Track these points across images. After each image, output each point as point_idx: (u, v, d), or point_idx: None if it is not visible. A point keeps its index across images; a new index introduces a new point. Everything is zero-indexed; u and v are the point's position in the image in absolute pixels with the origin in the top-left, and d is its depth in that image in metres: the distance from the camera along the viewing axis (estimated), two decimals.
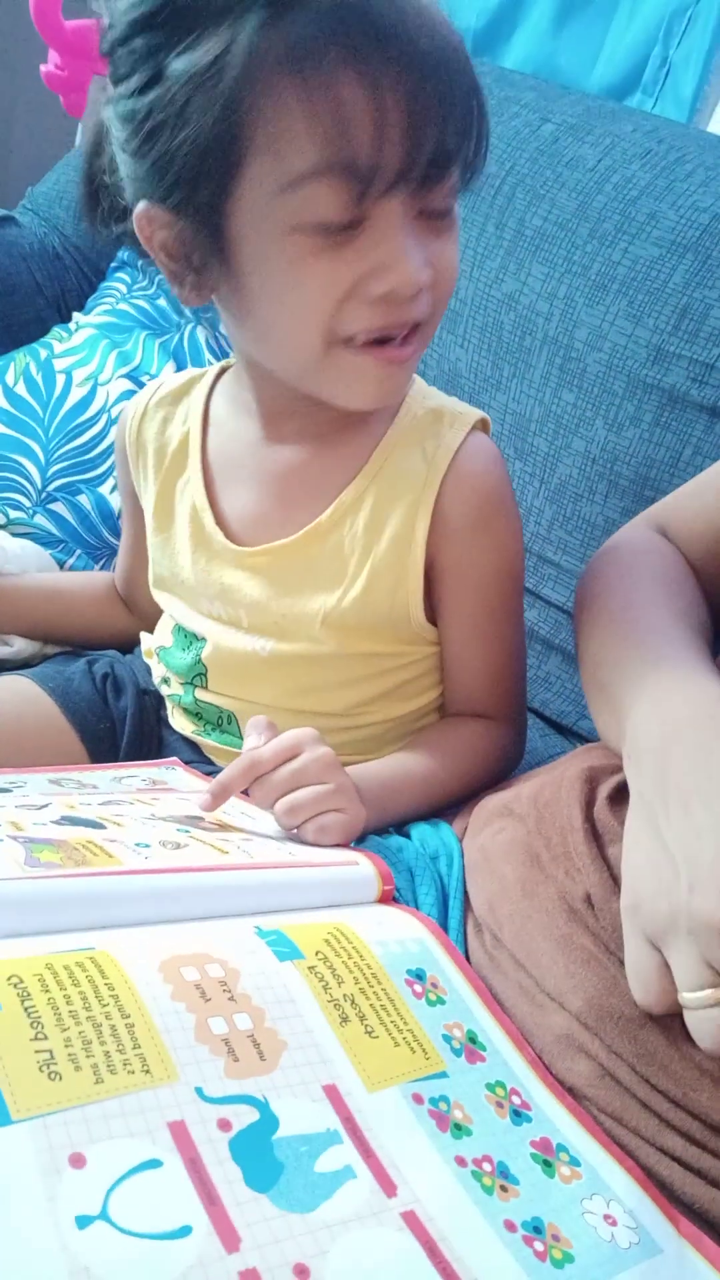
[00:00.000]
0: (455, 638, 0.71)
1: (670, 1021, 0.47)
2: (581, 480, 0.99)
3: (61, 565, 1.01)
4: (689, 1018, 0.44)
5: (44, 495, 1.07)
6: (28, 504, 1.06)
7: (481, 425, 0.70)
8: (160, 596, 0.79)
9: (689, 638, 0.59)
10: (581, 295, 0.98)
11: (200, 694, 0.76)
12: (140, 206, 0.57)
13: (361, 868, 0.55)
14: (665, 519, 0.74)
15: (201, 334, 1.21)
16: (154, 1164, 0.35)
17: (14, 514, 1.04)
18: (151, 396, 0.78)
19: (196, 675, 0.76)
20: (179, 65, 0.51)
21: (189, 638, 0.76)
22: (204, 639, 0.74)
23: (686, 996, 0.44)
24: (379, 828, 0.65)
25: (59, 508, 1.07)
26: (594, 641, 0.65)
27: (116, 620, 0.91)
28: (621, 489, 0.96)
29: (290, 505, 0.70)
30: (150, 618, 0.83)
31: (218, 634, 0.73)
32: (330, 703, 0.72)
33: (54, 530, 1.05)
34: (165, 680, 0.80)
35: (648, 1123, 0.46)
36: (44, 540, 1.04)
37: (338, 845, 0.59)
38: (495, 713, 0.74)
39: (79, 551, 1.05)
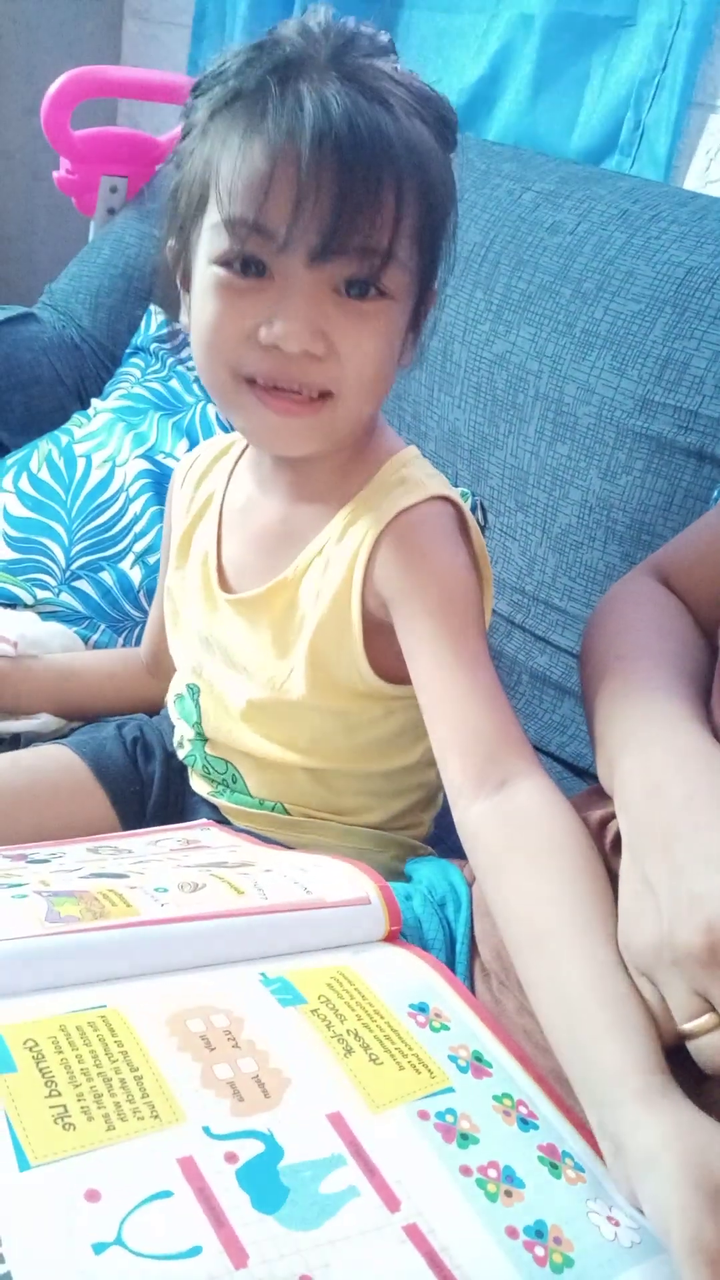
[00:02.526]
0: (426, 672, 0.67)
1: (670, 1062, 0.48)
2: (581, 528, 1.02)
3: (86, 641, 1.06)
4: (690, 1047, 0.46)
5: (69, 574, 1.13)
6: (54, 583, 1.12)
7: (444, 500, 0.71)
8: (171, 638, 0.84)
9: (676, 687, 0.61)
10: (568, 352, 1.02)
11: (208, 748, 0.81)
12: (169, 244, 0.69)
13: (372, 907, 0.58)
14: (664, 566, 0.77)
15: (212, 411, 1.26)
16: (165, 1194, 0.37)
17: (41, 594, 1.09)
18: (201, 453, 0.86)
19: (200, 725, 0.81)
20: (191, 125, 0.65)
21: (194, 686, 0.81)
22: (200, 684, 0.80)
23: (685, 1027, 0.46)
24: None
25: (83, 585, 1.12)
26: (592, 694, 0.67)
27: (137, 691, 0.95)
28: (619, 534, 0.99)
29: (268, 557, 0.75)
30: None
31: (209, 675, 0.79)
32: (309, 757, 0.75)
33: (79, 607, 1.10)
34: (180, 744, 0.84)
35: None
36: (70, 618, 1.09)
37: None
38: (518, 751, 0.63)
39: (103, 626, 1.10)
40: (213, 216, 0.62)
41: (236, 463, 0.82)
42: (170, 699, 0.85)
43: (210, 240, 0.62)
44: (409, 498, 0.70)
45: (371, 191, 0.59)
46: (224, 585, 0.78)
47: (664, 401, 0.95)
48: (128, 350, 1.43)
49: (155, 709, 0.94)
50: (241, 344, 0.63)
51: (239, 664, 0.76)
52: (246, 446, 0.81)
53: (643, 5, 1.17)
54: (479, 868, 0.60)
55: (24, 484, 1.19)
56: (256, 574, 0.75)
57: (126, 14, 2.05)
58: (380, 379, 0.66)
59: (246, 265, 0.61)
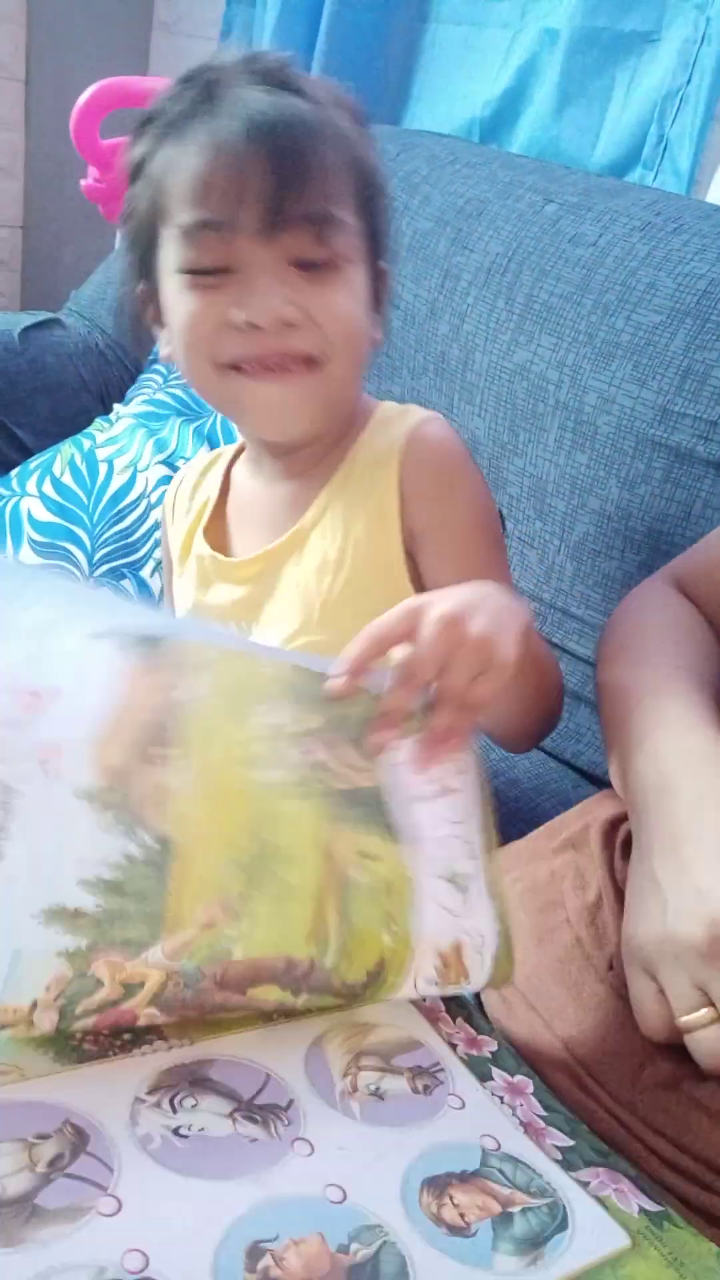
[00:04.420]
0: None
1: (669, 1062, 0.49)
2: (599, 537, 1.03)
3: None
4: (688, 1041, 0.47)
5: (91, 581, 1.14)
6: None
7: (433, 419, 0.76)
8: None
9: (690, 692, 0.62)
10: (589, 362, 1.02)
11: None
12: (137, 287, 0.73)
13: None
14: (681, 574, 0.78)
15: None
16: None
17: None
18: (188, 472, 0.89)
19: None
20: (137, 167, 0.69)
21: None
22: None
23: (683, 1021, 0.46)
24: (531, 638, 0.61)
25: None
26: (606, 698, 0.68)
27: None
28: (637, 544, 1.00)
29: (278, 524, 0.77)
30: None
31: None
32: None
33: None
34: None
35: (649, 1161, 0.48)
36: None
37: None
38: None
39: None
40: (169, 235, 0.67)
41: (229, 468, 0.84)
42: None
43: (171, 256, 0.67)
44: (408, 420, 0.74)
45: (304, 164, 0.64)
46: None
47: (684, 412, 0.95)
48: (150, 357, 1.44)
49: None
50: (218, 332, 0.67)
51: (267, 635, 0.77)
52: (237, 453, 0.84)
53: (667, 21, 1.18)
54: None
55: (48, 488, 1.20)
56: (266, 543, 0.77)
57: (155, 26, 2.07)
58: (359, 338, 0.70)
59: (213, 269, 0.65)
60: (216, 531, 0.82)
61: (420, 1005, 0.52)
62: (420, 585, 0.74)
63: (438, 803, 0.52)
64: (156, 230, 0.68)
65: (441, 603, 0.52)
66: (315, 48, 1.56)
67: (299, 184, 0.64)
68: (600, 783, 1.03)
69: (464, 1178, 0.43)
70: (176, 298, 0.68)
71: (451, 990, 0.52)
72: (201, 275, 0.66)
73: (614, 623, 0.75)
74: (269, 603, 0.77)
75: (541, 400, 1.07)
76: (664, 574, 0.79)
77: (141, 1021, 0.45)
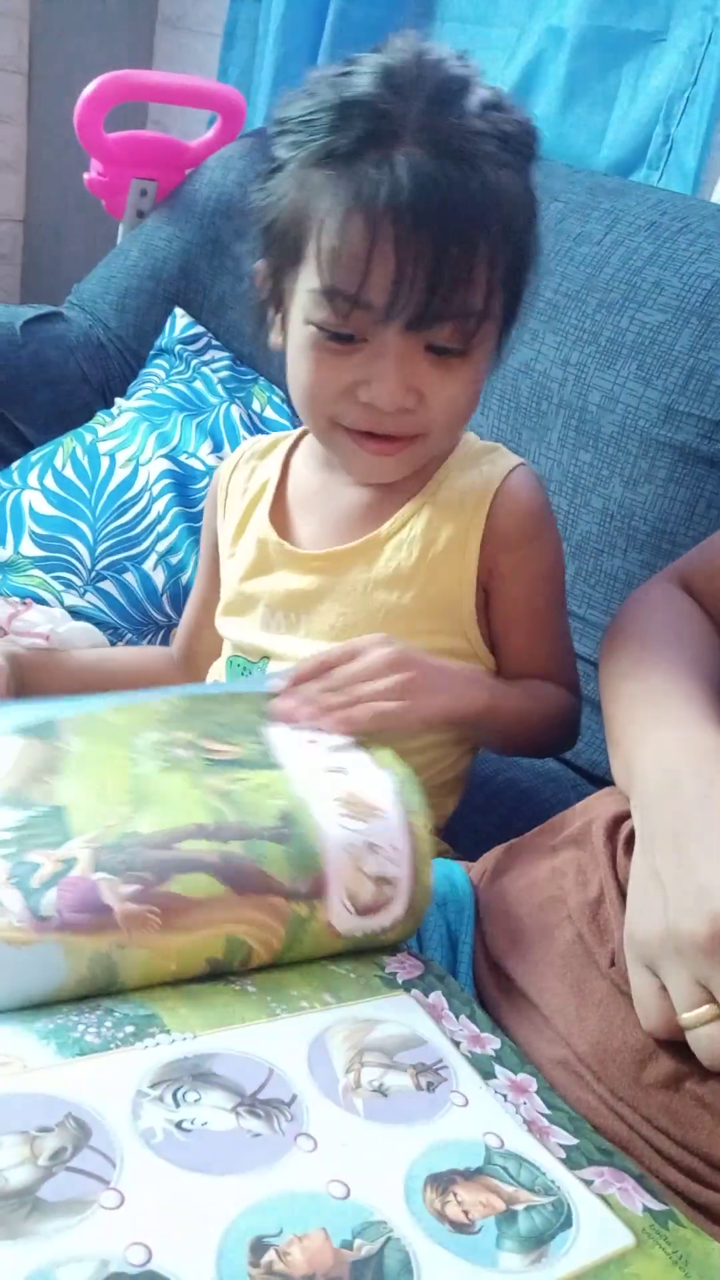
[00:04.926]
0: (514, 637, 0.77)
1: (672, 1059, 0.49)
2: (601, 536, 1.03)
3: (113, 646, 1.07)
4: (689, 1037, 0.47)
5: (94, 574, 1.13)
6: (79, 582, 1.13)
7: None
8: (227, 624, 0.84)
9: (694, 690, 0.62)
10: (593, 361, 1.02)
11: None
12: (258, 263, 0.73)
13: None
14: (686, 573, 0.78)
15: (236, 412, 1.27)
16: None
17: (69, 599, 1.10)
18: (244, 452, 0.88)
19: None
20: (282, 162, 0.67)
21: (243, 667, 0.81)
22: (265, 659, 0.80)
23: (685, 1017, 0.46)
24: (489, 718, 0.72)
25: (108, 586, 1.13)
26: (609, 696, 0.68)
27: (168, 685, 0.95)
28: (640, 543, 1.00)
29: (351, 527, 0.78)
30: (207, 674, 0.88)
31: (279, 646, 0.79)
32: None
33: (106, 611, 1.11)
34: None
35: (651, 1158, 0.48)
36: (95, 623, 1.10)
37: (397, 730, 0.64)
38: (561, 682, 0.80)
39: (129, 635, 1.10)
40: (310, 281, 0.65)
41: (290, 453, 0.85)
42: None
43: (308, 304, 0.66)
44: (505, 460, 0.76)
45: (465, 262, 0.62)
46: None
47: (689, 411, 0.95)
48: (152, 351, 1.44)
49: None
50: (339, 399, 0.68)
51: (322, 622, 0.77)
52: (300, 437, 0.85)
53: (674, 21, 1.18)
54: None
55: (49, 482, 1.20)
56: (339, 540, 0.78)
57: (159, 22, 2.07)
58: (466, 416, 0.72)
59: (347, 336, 0.65)
60: (278, 516, 0.82)
61: (424, 1002, 0.52)
62: (485, 619, 0.77)
63: (318, 748, 0.61)
64: (300, 251, 0.66)
65: (386, 646, 0.65)
66: (320, 45, 1.56)
67: (455, 282, 0.62)
68: (600, 782, 1.03)
69: (468, 1175, 0.42)
70: (303, 346, 0.68)
71: (373, 925, 0.53)
72: (332, 339, 0.66)
73: (618, 620, 0.75)
74: (328, 600, 0.77)
75: (545, 398, 1.06)
76: (669, 573, 0.79)
77: (104, 894, 0.47)
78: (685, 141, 1.19)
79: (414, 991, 0.52)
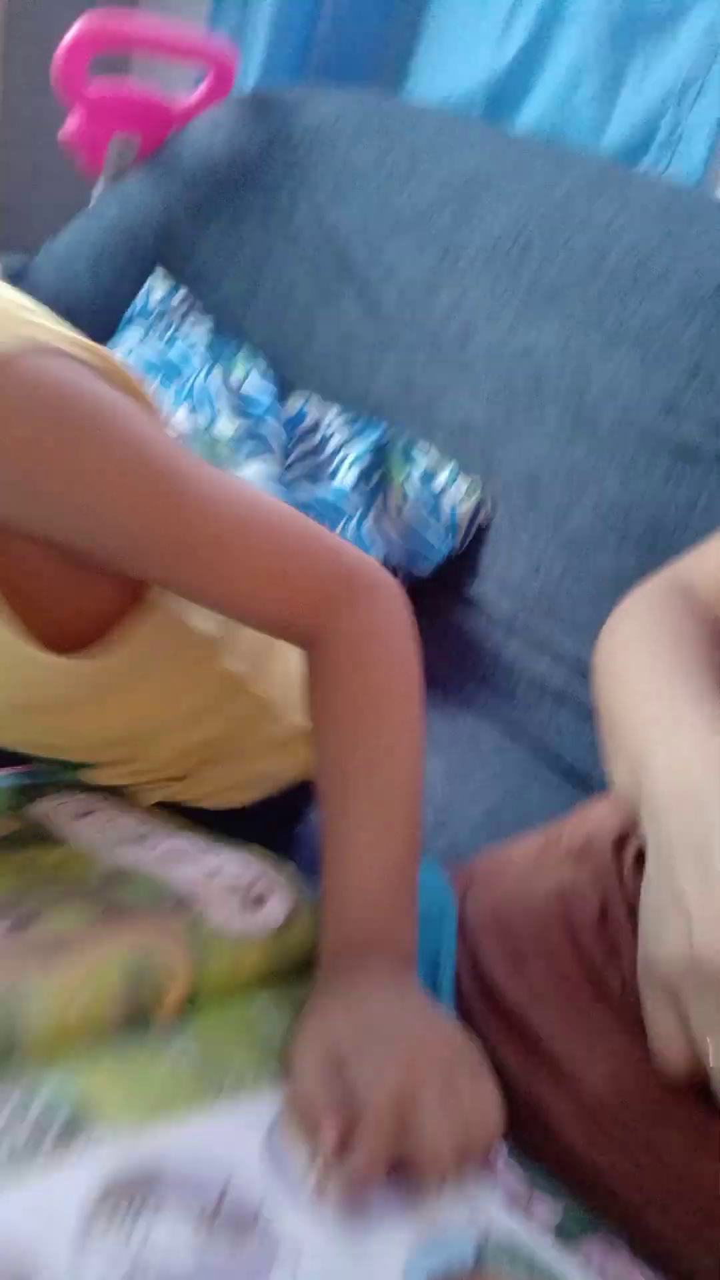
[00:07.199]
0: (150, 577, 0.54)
1: (694, 1105, 0.45)
2: (594, 532, 0.99)
3: None
4: (716, 1080, 0.43)
5: None
6: None
7: (34, 348, 0.47)
8: None
9: (702, 695, 0.59)
10: (594, 349, 0.99)
11: None
12: None
13: None
14: (688, 575, 0.74)
15: (216, 376, 1.21)
16: None
17: None
18: None
19: None
20: None
21: None
22: None
23: (715, 1064, 0.42)
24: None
25: None
26: (610, 700, 0.64)
27: None
28: (634, 540, 0.96)
29: None
30: None
31: None
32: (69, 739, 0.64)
33: None
34: None
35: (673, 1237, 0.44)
36: None
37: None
38: (307, 614, 0.52)
39: None
40: None
41: None
42: None
43: None
44: None
45: None
46: None
47: (693, 406, 0.92)
48: (124, 317, 1.38)
49: None
50: None
51: None
52: None
53: (690, 2, 1.14)
54: None
55: None
56: None
57: None
58: None
59: None
60: None
61: None
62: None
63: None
64: None
65: (378, 1088, 0.41)
66: (319, 11, 1.50)
67: None
68: (583, 783, 0.99)
69: (468, 1270, 0.39)
70: None
71: (272, 917, 0.52)
72: None
73: (615, 623, 0.71)
74: None
75: (542, 385, 1.02)
76: (667, 574, 0.76)
77: None
78: (695, 132, 1.16)
79: None
